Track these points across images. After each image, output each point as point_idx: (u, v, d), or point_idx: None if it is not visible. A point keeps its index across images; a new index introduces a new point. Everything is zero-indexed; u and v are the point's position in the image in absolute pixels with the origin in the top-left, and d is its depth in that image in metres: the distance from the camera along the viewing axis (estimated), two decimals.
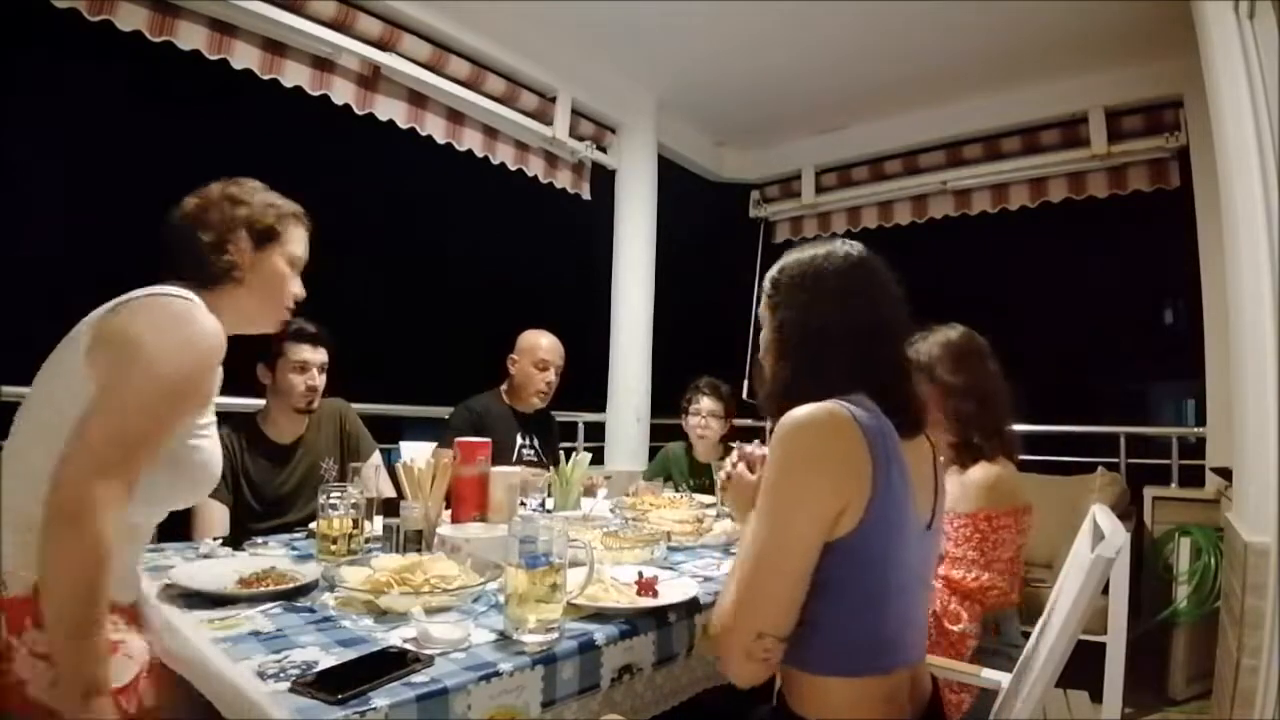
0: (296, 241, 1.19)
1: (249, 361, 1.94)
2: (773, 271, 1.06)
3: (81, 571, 0.83)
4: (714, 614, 0.90)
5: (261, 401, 2.00)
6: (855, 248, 1.02)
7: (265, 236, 1.13)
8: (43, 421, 0.93)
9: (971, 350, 1.58)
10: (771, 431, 0.90)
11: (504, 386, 2.52)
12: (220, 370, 1.04)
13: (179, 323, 0.95)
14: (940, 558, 1.49)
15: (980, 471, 1.50)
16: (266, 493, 1.91)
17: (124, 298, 0.98)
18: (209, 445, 1.04)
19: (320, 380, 1.98)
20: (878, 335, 0.96)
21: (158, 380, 0.91)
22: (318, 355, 1.97)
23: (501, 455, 2.07)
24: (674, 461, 2.81)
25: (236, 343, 1.10)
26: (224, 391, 1.13)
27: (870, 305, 0.96)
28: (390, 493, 1.82)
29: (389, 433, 2.29)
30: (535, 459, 2.46)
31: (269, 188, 1.19)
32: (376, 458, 2.09)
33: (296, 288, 1.19)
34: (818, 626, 0.84)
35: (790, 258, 1.05)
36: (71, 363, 0.94)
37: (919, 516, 0.92)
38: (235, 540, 1.68)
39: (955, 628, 1.42)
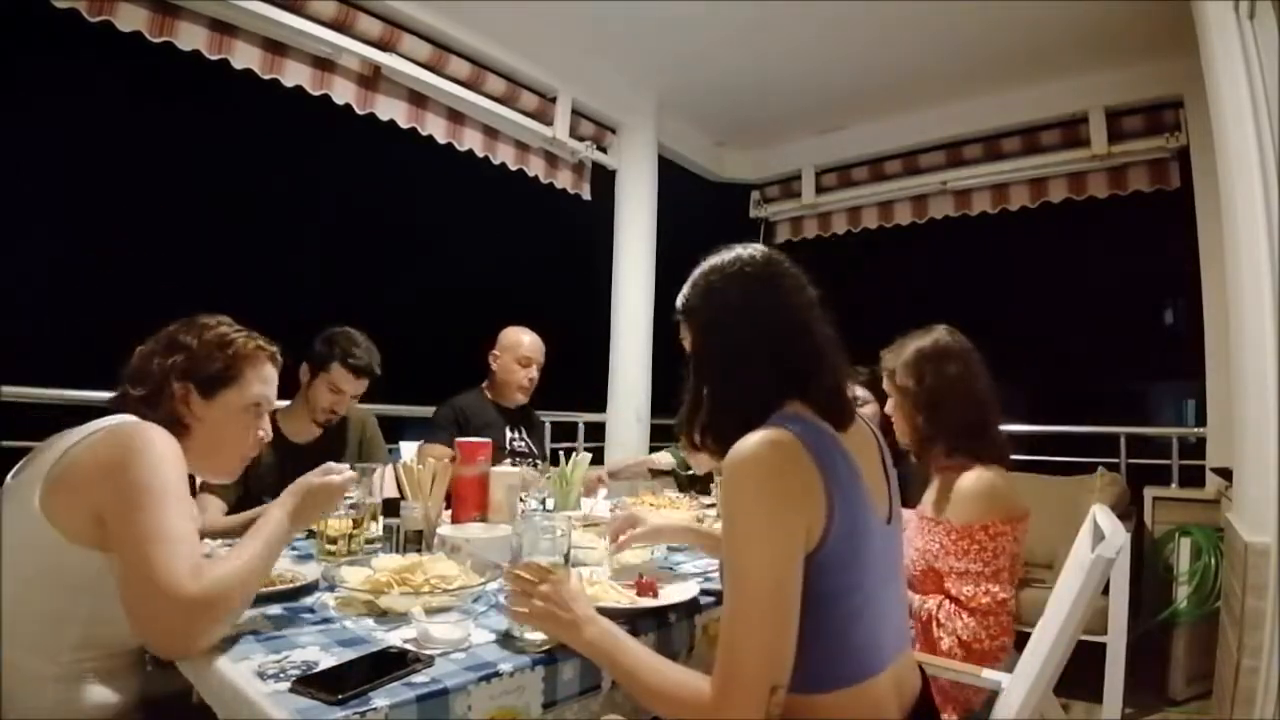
0: (259, 382, 1.10)
1: None
2: (680, 296, 1.03)
3: (246, 588, 0.93)
4: (712, 686, 0.80)
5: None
6: (750, 251, 0.99)
7: (214, 383, 1.05)
8: (12, 595, 0.92)
9: (942, 353, 1.54)
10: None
11: (485, 383, 2.53)
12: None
13: (139, 439, 0.94)
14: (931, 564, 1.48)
15: (973, 479, 1.46)
16: (278, 487, 1.90)
17: (66, 444, 0.95)
18: None
19: (348, 407, 1.99)
20: (790, 334, 0.94)
21: (156, 481, 0.91)
22: (357, 386, 1.96)
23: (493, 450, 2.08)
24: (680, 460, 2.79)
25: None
26: None
27: (777, 307, 0.94)
28: (391, 493, 1.82)
29: (389, 433, 2.30)
30: (527, 450, 2.47)
31: (233, 322, 1.10)
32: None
33: (261, 432, 1.12)
34: (800, 646, 0.81)
35: (689, 282, 1.02)
36: (20, 522, 0.92)
37: (878, 512, 0.91)
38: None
39: (981, 645, 1.40)
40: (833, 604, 0.84)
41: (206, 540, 1.40)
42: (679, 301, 1.03)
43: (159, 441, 0.96)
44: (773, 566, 0.80)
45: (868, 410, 1.63)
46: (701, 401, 0.97)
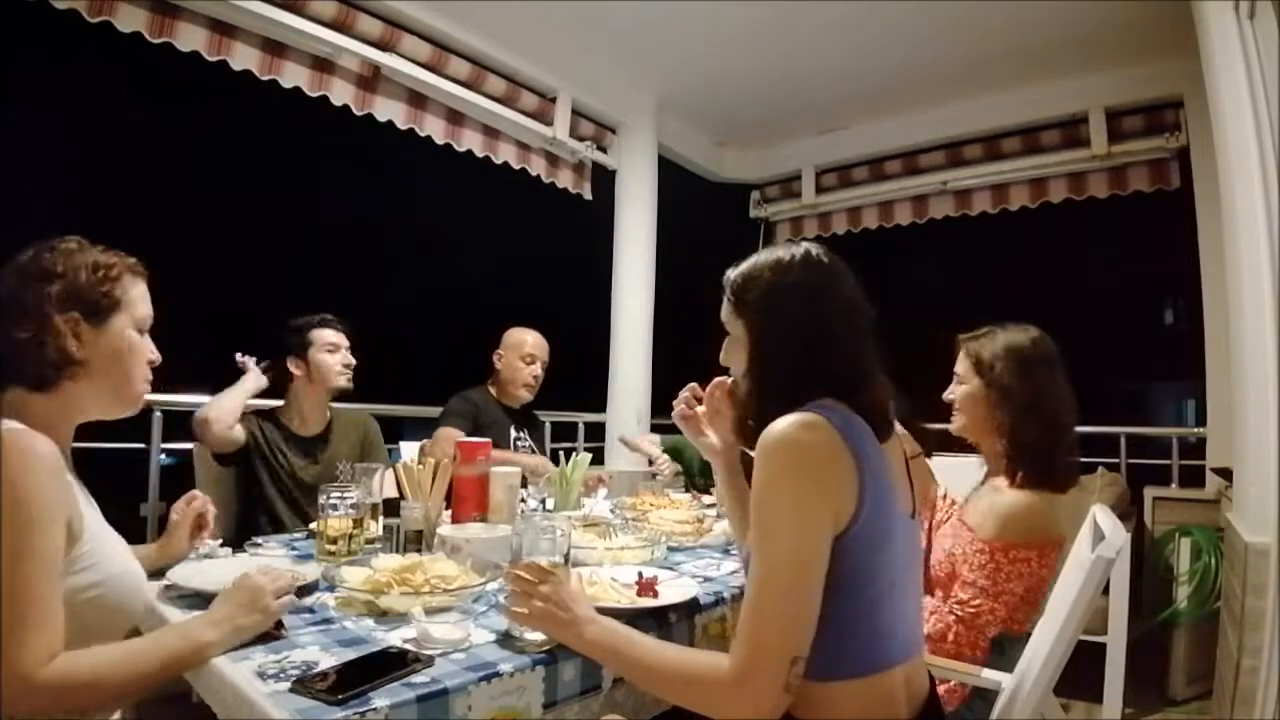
0: (139, 300, 1.03)
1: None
2: (733, 276, 1.02)
3: (99, 692, 0.83)
4: (731, 661, 0.81)
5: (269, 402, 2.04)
6: (813, 254, 0.99)
7: (102, 308, 0.97)
8: None
9: (1040, 357, 1.44)
10: None
11: (490, 382, 2.54)
12: (73, 488, 0.92)
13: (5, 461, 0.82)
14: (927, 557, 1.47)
15: (1011, 498, 1.38)
16: (289, 479, 1.95)
17: None
18: (100, 573, 0.92)
19: (352, 360, 2.05)
20: (839, 344, 0.94)
21: (22, 518, 0.80)
22: (342, 337, 2.05)
23: (498, 449, 2.10)
24: (687, 449, 2.74)
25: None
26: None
27: (831, 314, 0.95)
28: (391, 493, 1.83)
29: (389, 433, 2.30)
30: (530, 451, 2.48)
31: (89, 244, 1.01)
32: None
33: (151, 353, 1.04)
34: (819, 630, 0.83)
35: (748, 268, 1.01)
36: None
37: (902, 503, 0.93)
38: (252, 523, 1.75)
39: (948, 644, 1.38)
40: (857, 587, 0.85)
41: (209, 541, 1.39)
42: (732, 281, 1.02)
43: (24, 463, 0.83)
44: (800, 542, 0.82)
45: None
46: (753, 405, 0.97)
